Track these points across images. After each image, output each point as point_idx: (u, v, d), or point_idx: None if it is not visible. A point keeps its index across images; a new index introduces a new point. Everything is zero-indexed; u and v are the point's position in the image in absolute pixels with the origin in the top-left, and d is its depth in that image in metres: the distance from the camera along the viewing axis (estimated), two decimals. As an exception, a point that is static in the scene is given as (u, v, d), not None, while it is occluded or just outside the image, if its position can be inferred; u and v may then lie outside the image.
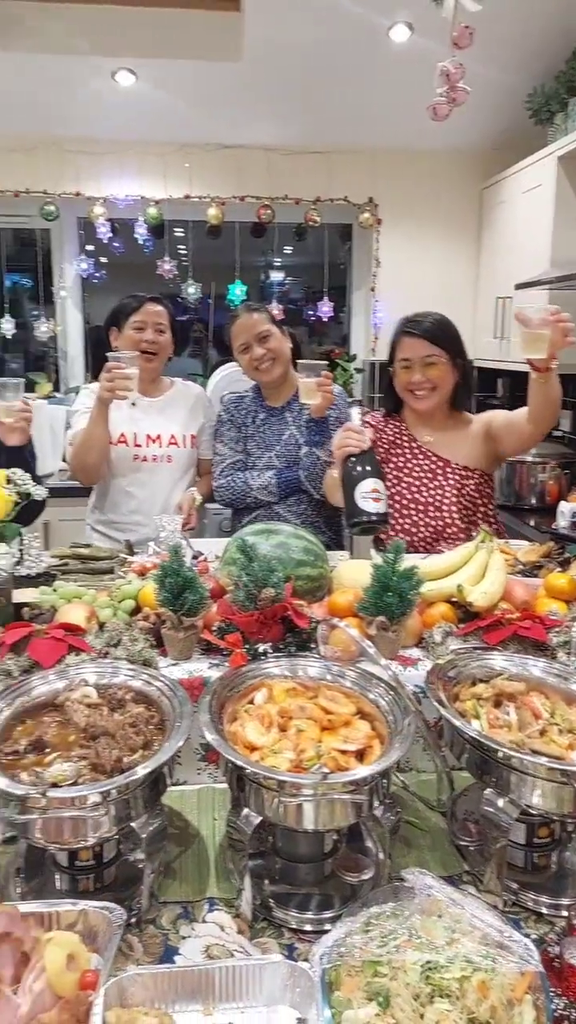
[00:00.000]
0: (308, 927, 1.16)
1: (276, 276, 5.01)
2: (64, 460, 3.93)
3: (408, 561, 1.55)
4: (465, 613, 1.68)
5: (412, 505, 2.23)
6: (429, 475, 2.25)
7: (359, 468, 1.90)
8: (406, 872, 1.14)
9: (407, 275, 4.16)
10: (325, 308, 4.21)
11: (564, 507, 2.79)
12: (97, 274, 4.23)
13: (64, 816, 1.06)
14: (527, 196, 3.48)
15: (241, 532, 1.73)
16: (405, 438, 2.30)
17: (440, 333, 2.20)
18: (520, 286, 3.14)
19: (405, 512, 2.23)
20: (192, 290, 4.13)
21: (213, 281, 4.39)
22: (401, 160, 4.08)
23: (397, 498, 2.24)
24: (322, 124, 3.86)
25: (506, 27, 2.97)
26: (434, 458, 2.27)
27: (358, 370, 4.32)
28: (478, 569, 1.72)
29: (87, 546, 2.16)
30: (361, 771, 1.12)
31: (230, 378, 3.72)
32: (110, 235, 4.03)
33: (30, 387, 4.16)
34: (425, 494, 2.24)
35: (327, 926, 1.15)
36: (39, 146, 3.91)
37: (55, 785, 1.08)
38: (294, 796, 1.08)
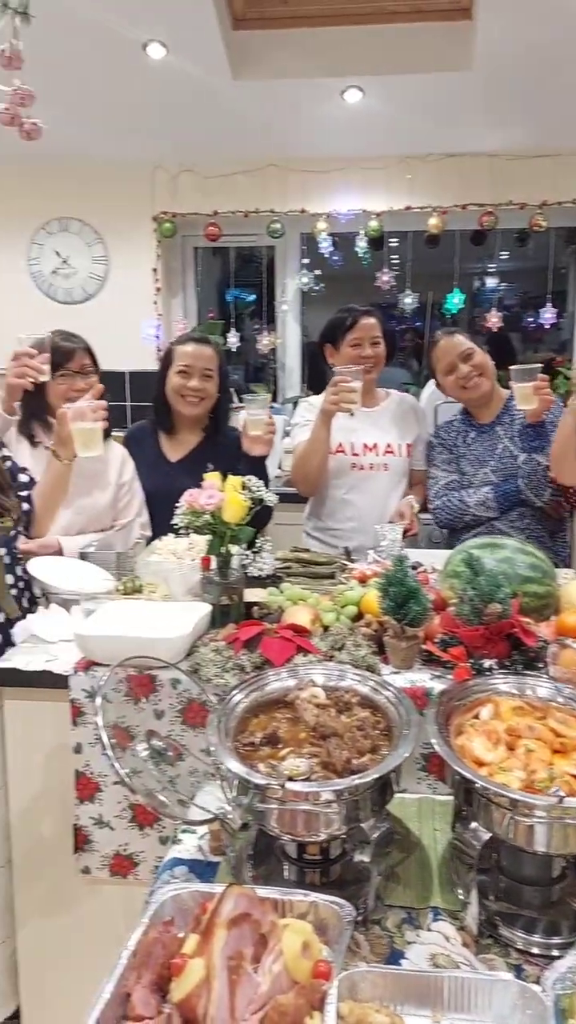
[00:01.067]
0: (535, 950, 1.13)
1: (491, 282, 4.90)
2: (280, 468, 4.10)
3: None
4: None
5: None
6: None
7: None
8: None
9: None
10: (548, 315, 4.06)
11: None
12: (316, 287, 4.36)
13: (299, 809, 1.12)
14: None
15: (464, 545, 1.73)
16: None
17: None
18: None
19: None
20: (409, 300, 4.15)
21: (430, 290, 4.38)
22: None
23: None
24: (550, 126, 3.73)
25: None
26: None
27: (581, 378, 4.13)
28: None
29: (306, 551, 2.24)
30: (600, 798, 1.08)
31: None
32: (331, 249, 4.14)
33: (250, 397, 4.36)
34: None
35: (555, 952, 1.12)
36: (268, 167, 4.09)
37: (291, 779, 1.14)
38: (527, 816, 1.07)
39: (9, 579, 1.90)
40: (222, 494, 1.66)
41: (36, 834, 1.69)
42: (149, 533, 2.39)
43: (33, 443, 2.29)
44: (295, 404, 4.36)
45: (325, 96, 3.63)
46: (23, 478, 2.07)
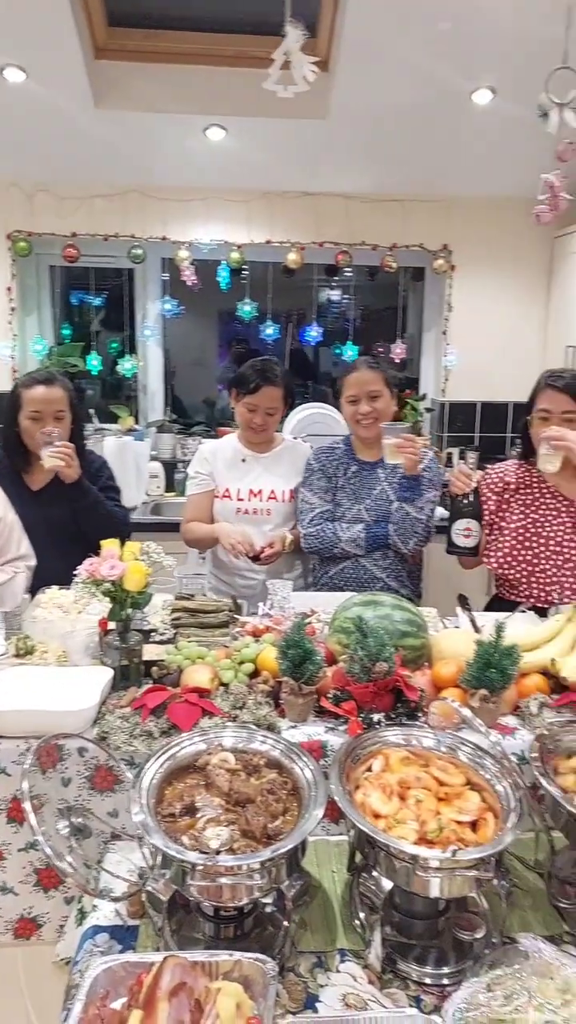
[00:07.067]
0: (428, 980, 1.30)
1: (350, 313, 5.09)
2: (147, 494, 4.14)
3: (507, 638, 1.69)
4: (556, 683, 1.81)
5: (535, 539, 2.41)
6: (552, 513, 2.42)
7: (460, 506, 2.33)
8: (520, 936, 1.28)
9: (478, 319, 4.29)
10: (399, 350, 4.34)
11: None
12: (178, 310, 4.39)
13: (225, 882, 1.22)
14: (601, 250, 3.58)
15: (348, 603, 1.89)
16: (535, 480, 2.47)
17: None
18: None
19: (528, 545, 2.41)
20: (270, 331, 4.29)
21: (289, 323, 4.55)
22: (476, 208, 4.19)
23: (521, 532, 2.42)
24: (400, 174, 4.00)
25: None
26: (560, 497, 2.43)
27: (428, 409, 4.45)
28: (568, 642, 1.85)
29: (191, 597, 2.33)
30: (486, 849, 1.26)
31: (309, 420, 3.88)
32: (194, 279, 4.19)
33: (113, 419, 4.36)
34: (547, 529, 2.40)
35: (446, 981, 1.30)
36: (130, 193, 4.10)
37: (218, 852, 1.24)
38: (425, 870, 1.23)
39: None
40: (124, 564, 1.72)
41: None
42: (33, 563, 2.42)
43: None
44: (159, 428, 4.41)
45: (187, 131, 3.71)
46: None
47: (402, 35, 3.08)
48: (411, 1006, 1.25)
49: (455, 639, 1.87)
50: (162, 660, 1.82)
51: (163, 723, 1.62)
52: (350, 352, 4.36)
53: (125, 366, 4.31)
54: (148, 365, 4.53)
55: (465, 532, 2.34)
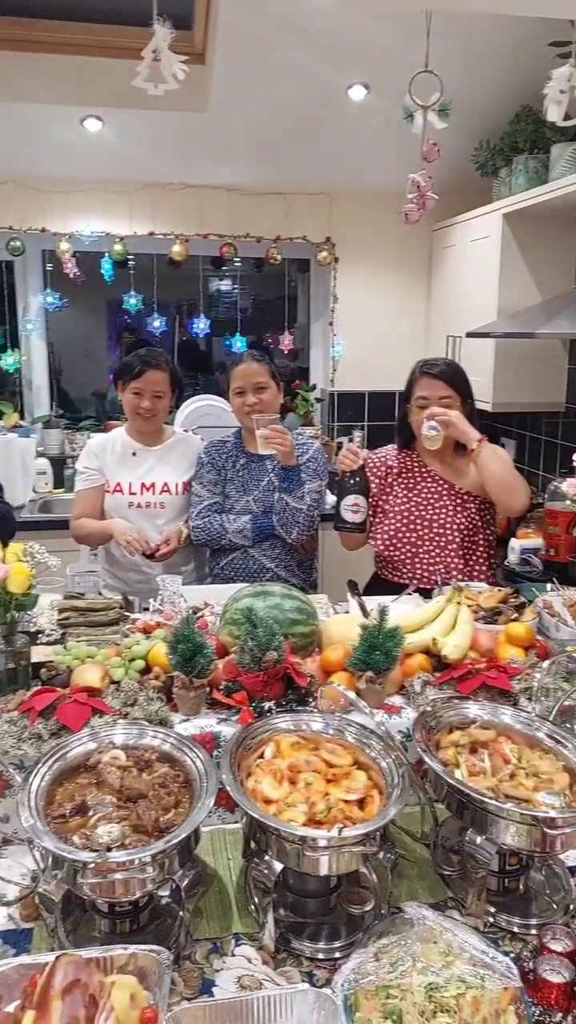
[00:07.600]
0: (321, 955, 1.35)
1: (240, 304, 5.12)
2: (34, 491, 4.05)
3: (392, 620, 1.75)
4: (438, 661, 1.89)
5: (418, 522, 2.51)
6: (434, 496, 2.53)
7: (348, 483, 2.41)
8: (405, 905, 1.35)
9: (363, 310, 4.39)
10: (287, 341, 4.39)
11: (514, 543, 3.04)
12: (60, 303, 4.31)
13: (117, 878, 1.23)
14: (475, 244, 3.71)
15: (239, 595, 1.91)
16: (416, 464, 2.59)
17: (455, 376, 2.48)
18: (471, 335, 3.37)
19: (412, 527, 2.51)
20: (157, 323, 4.26)
21: (178, 315, 4.54)
22: (356, 201, 4.28)
23: (405, 514, 2.53)
24: (281, 168, 4.04)
25: (457, 82, 3.20)
26: (440, 481, 2.54)
27: (318, 399, 4.52)
28: (448, 621, 1.94)
29: (80, 596, 2.31)
30: (370, 825, 1.32)
31: (199, 412, 3.88)
32: (76, 271, 4.12)
33: (-3, 415, 4.24)
34: (430, 512, 2.51)
35: (337, 954, 1.35)
36: (5, 184, 3.98)
37: (109, 849, 1.25)
38: (314, 850, 1.28)
39: None
40: (7, 566, 1.69)
41: None
42: None
43: None
44: (46, 424, 4.32)
45: (64, 122, 3.63)
46: None
47: (277, 29, 3.10)
48: (304, 982, 1.29)
49: (344, 624, 1.93)
50: (51, 661, 1.80)
51: (53, 725, 1.60)
52: (239, 344, 4.39)
53: (7, 361, 4.20)
54: (32, 359, 4.42)
55: (353, 508, 2.42)
